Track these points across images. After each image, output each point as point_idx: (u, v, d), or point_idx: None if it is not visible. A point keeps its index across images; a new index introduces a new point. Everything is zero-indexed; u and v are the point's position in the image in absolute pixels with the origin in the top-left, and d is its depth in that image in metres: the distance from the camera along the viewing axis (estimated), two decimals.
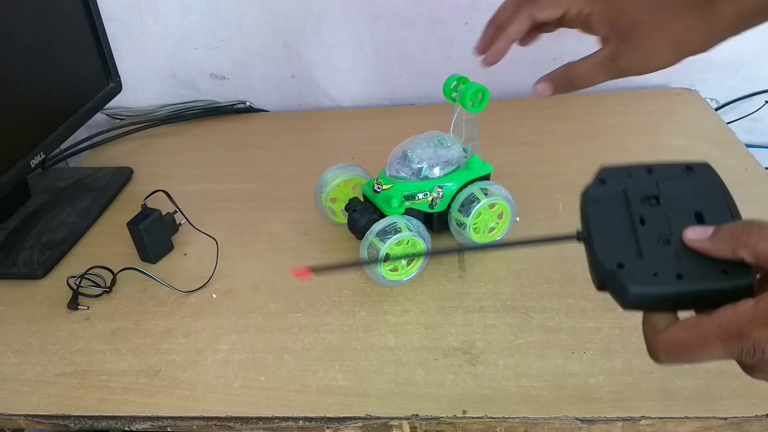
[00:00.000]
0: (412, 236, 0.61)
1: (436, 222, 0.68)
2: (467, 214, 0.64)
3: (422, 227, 0.63)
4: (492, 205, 0.66)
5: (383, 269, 0.62)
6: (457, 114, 0.65)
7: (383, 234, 0.61)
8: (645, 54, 0.48)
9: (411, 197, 0.65)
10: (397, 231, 0.61)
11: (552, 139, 0.89)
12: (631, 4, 0.48)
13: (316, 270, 0.38)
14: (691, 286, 0.33)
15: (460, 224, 0.65)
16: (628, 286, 0.33)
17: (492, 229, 0.68)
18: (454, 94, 0.65)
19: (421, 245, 0.63)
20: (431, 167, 0.65)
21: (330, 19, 0.99)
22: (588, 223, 0.36)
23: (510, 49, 0.52)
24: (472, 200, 0.64)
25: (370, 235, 0.61)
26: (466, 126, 0.65)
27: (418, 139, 0.67)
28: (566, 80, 0.51)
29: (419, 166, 0.65)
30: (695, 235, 0.33)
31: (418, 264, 0.65)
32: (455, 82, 0.65)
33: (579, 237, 0.37)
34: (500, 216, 0.67)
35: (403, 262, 0.64)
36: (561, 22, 0.51)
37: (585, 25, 0.50)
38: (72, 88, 0.85)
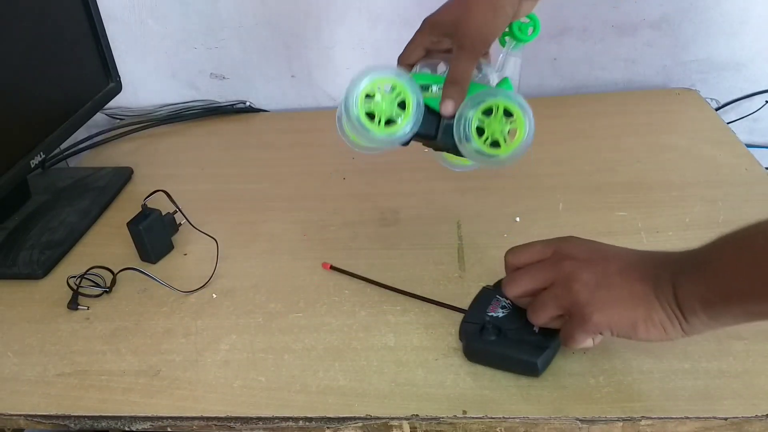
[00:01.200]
0: (401, 82, 0.54)
1: (442, 131, 0.57)
2: (475, 106, 0.54)
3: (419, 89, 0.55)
4: (508, 114, 0.55)
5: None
6: (503, 54, 0.60)
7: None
8: (479, 23, 0.56)
9: (426, 88, 0.57)
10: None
11: (552, 139, 0.89)
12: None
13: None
14: None
15: (463, 120, 0.55)
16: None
17: (496, 143, 0.55)
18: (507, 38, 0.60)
19: (409, 96, 0.54)
20: None
21: (330, 19, 0.99)
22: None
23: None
24: (487, 93, 0.55)
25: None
26: (506, 65, 0.60)
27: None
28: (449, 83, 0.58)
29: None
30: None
31: (409, 113, 0.55)
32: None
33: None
34: (511, 134, 0.55)
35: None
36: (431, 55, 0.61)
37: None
38: (72, 88, 0.85)
